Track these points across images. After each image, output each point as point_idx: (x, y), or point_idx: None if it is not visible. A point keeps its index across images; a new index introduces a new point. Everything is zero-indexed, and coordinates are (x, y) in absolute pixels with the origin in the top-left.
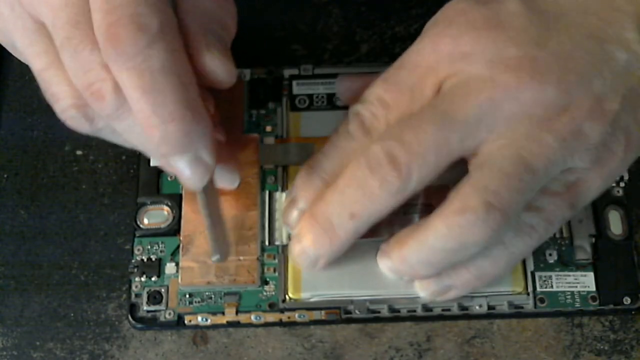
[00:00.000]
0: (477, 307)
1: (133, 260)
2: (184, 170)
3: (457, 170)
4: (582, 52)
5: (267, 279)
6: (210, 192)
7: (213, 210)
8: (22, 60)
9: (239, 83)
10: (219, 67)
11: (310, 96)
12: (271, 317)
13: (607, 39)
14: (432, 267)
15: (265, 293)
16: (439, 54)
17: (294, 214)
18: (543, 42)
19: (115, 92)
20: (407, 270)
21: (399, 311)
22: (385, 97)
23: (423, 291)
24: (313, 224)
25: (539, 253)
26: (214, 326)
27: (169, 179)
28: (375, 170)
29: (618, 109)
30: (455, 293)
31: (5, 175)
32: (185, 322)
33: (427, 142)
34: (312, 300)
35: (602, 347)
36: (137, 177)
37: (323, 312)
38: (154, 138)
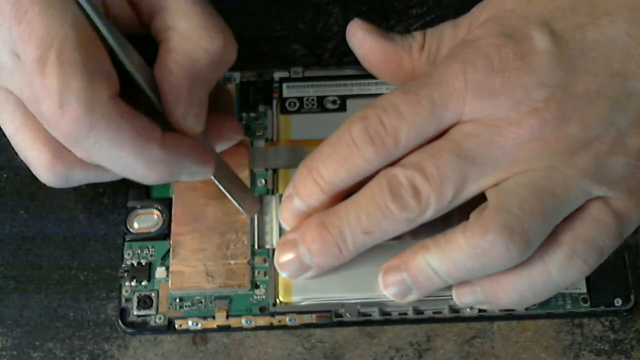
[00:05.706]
0: (468, 310)
1: (123, 265)
2: None
3: None
4: (606, 91)
5: (258, 283)
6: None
7: (224, 173)
8: None
9: (229, 86)
10: (190, 130)
11: (300, 99)
12: (262, 321)
13: (630, 75)
14: (452, 279)
15: (255, 297)
16: (469, 82)
17: (290, 212)
18: (569, 83)
19: None
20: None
21: (390, 314)
22: (402, 106)
23: (457, 299)
24: (324, 234)
25: None
26: (204, 330)
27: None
28: (397, 196)
29: None
30: (488, 307)
31: (5, 175)
32: (176, 326)
33: (448, 178)
34: (303, 303)
35: (602, 347)
36: (126, 182)
37: (314, 315)
38: None
